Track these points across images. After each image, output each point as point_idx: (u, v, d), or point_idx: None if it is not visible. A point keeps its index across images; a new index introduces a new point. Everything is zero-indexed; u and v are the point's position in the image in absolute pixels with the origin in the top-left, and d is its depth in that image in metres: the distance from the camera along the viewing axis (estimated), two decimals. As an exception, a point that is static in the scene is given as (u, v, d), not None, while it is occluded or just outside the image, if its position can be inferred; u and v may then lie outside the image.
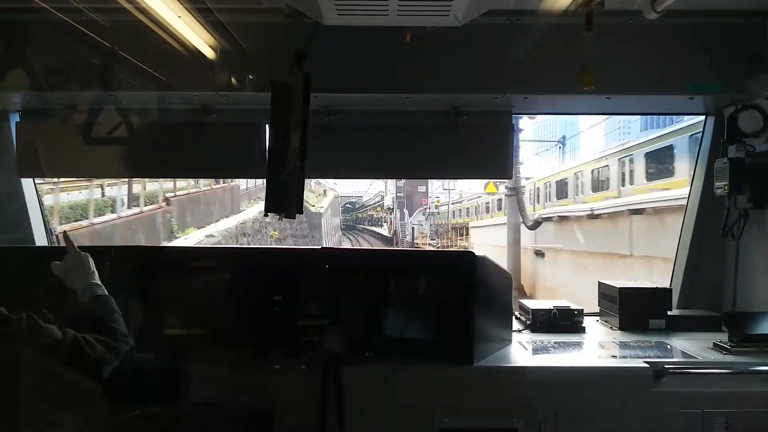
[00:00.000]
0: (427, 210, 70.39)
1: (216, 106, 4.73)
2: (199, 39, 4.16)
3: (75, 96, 4.68)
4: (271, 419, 3.60)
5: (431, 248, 48.88)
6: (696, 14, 4.20)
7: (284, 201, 3.55)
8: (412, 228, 70.90)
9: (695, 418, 3.71)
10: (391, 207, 77.90)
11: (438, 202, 68.67)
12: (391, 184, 72.24)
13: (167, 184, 27.95)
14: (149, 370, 3.46)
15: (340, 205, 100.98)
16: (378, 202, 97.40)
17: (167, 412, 3.24)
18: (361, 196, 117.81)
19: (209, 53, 4.29)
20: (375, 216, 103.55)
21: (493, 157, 4.85)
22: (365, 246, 52.20)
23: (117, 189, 22.96)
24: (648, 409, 3.70)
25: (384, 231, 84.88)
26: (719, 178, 4.68)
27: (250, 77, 4.30)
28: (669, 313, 4.80)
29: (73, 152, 4.89)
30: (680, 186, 17.43)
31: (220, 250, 4.74)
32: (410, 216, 74.02)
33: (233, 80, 4.30)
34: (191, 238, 26.93)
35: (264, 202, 3.58)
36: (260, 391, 3.64)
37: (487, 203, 50.03)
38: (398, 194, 73.09)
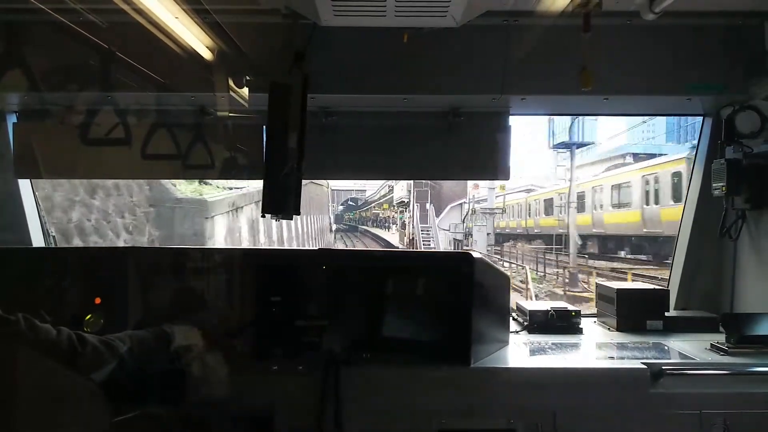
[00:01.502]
0: (473, 205, 45.73)
1: (213, 107, 4.73)
2: (197, 40, 4.15)
3: (73, 97, 4.69)
4: (269, 420, 3.60)
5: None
6: (693, 15, 4.20)
7: (282, 202, 3.55)
8: (456, 241, 46.09)
9: (693, 419, 3.71)
10: (406, 201, 52.10)
11: (502, 188, 45.51)
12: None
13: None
14: (149, 370, 3.46)
15: (331, 200, 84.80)
16: (385, 195, 79.20)
17: (166, 413, 3.23)
18: (365, 190, 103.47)
19: (207, 54, 4.29)
20: (381, 215, 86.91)
21: (490, 158, 4.86)
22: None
23: None
24: (645, 410, 3.70)
25: (392, 236, 62.29)
26: (717, 179, 4.69)
27: (248, 78, 4.30)
28: (666, 314, 4.79)
29: (70, 153, 4.89)
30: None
31: (217, 251, 4.72)
32: (438, 216, 51.08)
33: (231, 81, 4.30)
34: None
35: (261, 203, 3.57)
36: (258, 392, 3.63)
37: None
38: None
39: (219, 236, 20.87)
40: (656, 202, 34.98)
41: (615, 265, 33.20)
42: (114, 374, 2.87)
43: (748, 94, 4.43)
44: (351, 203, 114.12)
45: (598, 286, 5.32)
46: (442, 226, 48.73)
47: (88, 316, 3.84)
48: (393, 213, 75.20)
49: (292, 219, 3.75)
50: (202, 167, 5.04)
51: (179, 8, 3.81)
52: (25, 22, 4.30)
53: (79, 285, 4.01)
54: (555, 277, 33.94)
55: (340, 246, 58.88)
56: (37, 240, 5.10)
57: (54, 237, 5.35)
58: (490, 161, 4.87)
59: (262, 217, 3.60)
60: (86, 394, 2.60)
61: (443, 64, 4.43)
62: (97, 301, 3.94)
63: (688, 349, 4.22)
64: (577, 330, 4.71)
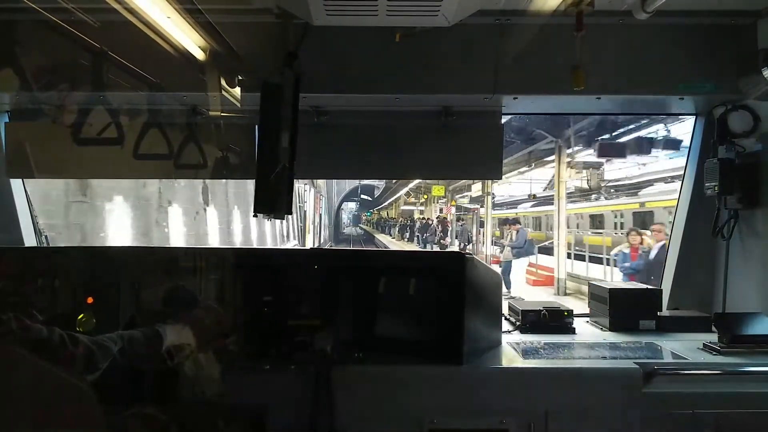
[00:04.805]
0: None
1: (206, 106, 4.72)
2: (189, 40, 4.14)
3: (65, 96, 4.67)
4: (262, 419, 3.60)
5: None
6: (686, 14, 4.21)
7: (274, 201, 3.54)
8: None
9: (685, 419, 3.71)
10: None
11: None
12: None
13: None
14: (141, 369, 3.46)
15: (320, 189, 49.80)
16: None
17: (158, 413, 3.23)
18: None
19: (199, 54, 4.28)
20: (420, 218, 52.14)
21: (482, 157, 4.87)
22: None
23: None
24: (638, 410, 3.71)
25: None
26: (709, 178, 4.70)
27: (240, 78, 4.30)
28: (659, 313, 4.81)
29: (62, 153, 4.88)
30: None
31: (209, 251, 4.73)
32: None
33: (223, 81, 4.29)
34: None
35: (253, 202, 3.56)
36: (251, 391, 3.63)
37: None
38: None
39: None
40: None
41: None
42: (106, 374, 2.86)
43: (740, 93, 4.43)
44: (365, 197, 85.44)
45: (590, 285, 5.32)
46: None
47: (81, 316, 3.84)
48: (444, 210, 46.76)
49: (284, 218, 3.76)
50: (194, 167, 5.03)
51: (172, 8, 3.79)
52: (17, 21, 4.29)
53: (72, 285, 4.01)
54: None
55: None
56: (30, 240, 5.08)
57: (46, 237, 5.34)
58: (482, 160, 4.88)
59: (254, 216, 3.60)
60: (78, 394, 2.59)
61: (435, 63, 4.42)
62: (90, 300, 3.94)
63: (681, 348, 4.23)
64: (569, 330, 4.71)
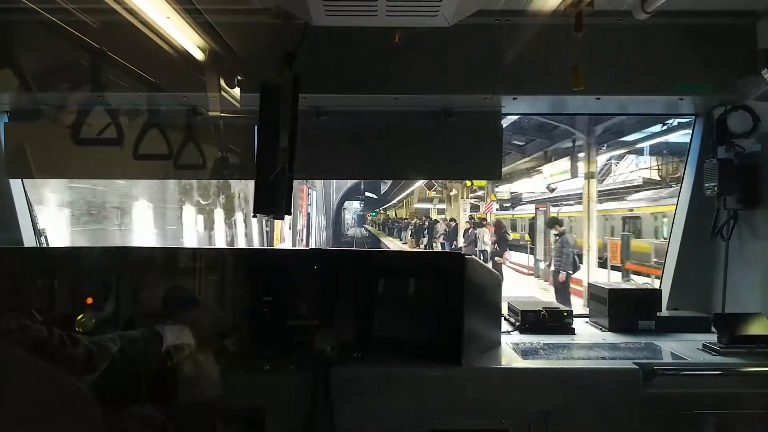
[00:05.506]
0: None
1: (205, 107, 4.72)
2: (188, 40, 4.14)
3: (64, 97, 4.67)
4: (261, 419, 3.60)
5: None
6: (686, 15, 4.21)
7: (273, 202, 3.54)
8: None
9: (685, 419, 3.71)
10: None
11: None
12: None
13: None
14: (140, 370, 3.46)
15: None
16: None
17: (158, 413, 3.23)
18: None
19: (198, 54, 4.27)
20: (442, 219, 40.30)
21: (482, 157, 4.86)
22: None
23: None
24: (637, 411, 3.71)
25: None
26: (708, 178, 4.70)
27: (239, 78, 4.29)
28: (659, 314, 4.81)
29: (62, 153, 4.88)
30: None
31: (209, 250, 4.72)
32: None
33: (222, 81, 4.29)
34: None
35: (252, 203, 3.57)
36: (250, 392, 3.64)
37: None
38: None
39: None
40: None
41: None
42: (105, 374, 2.87)
43: (740, 93, 4.44)
44: (369, 194, 74.80)
45: (590, 286, 5.32)
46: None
47: (80, 316, 3.83)
48: (483, 208, 37.77)
49: (283, 219, 3.76)
50: (194, 167, 5.03)
51: (171, 8, 3.79)
52: (16, 21, 4.28)
53: (71, 285, 4.01)
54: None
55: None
56: (29, 240, 5.08)
57: (45, 237, 5.33)
58: (482, 161, 4.88)
59: (254, 216, 3.61)
60: (77, 394, 2.59)
61: (435, 63, 4.42)
62: (89, 300, 3.94)
63: (680, 349, 4.23)
64: (569, 330, 4.71)
